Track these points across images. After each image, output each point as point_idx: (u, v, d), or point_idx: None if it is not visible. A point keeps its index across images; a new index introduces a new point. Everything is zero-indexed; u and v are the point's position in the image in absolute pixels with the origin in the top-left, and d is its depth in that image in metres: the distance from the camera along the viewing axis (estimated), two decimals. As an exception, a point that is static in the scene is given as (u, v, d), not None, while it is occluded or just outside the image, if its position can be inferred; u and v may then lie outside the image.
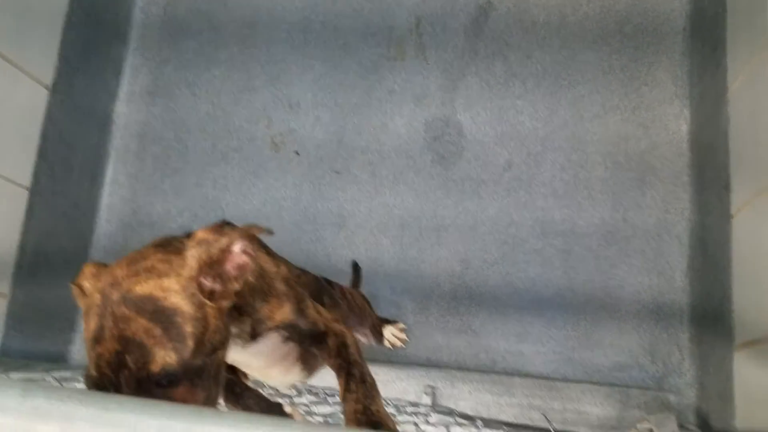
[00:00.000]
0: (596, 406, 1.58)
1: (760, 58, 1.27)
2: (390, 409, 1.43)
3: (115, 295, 0.71)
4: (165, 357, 0.68)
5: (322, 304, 1.09)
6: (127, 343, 0.68)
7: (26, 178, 1.60)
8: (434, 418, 1.38)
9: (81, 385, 1.26)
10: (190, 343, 0.71)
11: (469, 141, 1.79)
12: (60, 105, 1.70)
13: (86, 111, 1.83)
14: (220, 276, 0.76)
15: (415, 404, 1.50)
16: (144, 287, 0.71)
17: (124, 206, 1.89)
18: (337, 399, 1.47)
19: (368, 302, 1.60)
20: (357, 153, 1.83)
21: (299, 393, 1.47)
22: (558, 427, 1.56)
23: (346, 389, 0.85)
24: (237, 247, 0.77)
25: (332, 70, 1.89)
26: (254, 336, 0.91)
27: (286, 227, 1.80)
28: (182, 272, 0.73)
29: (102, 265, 0.81)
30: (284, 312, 0.95)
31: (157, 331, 0.69)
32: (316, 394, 1.46)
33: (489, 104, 1.80)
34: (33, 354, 1.65)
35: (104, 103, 1.92)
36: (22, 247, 1.58)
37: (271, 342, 0.96)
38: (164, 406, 0.54)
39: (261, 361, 0.98)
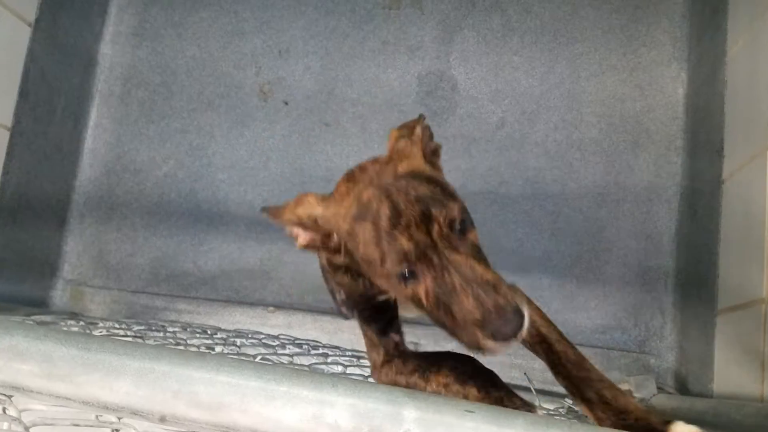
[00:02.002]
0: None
1: (761, 22, 1.25)
2: (373, 363, 1.44)
3: (387, 176, 0.77)
4: (456, 203, 0.75)
5: None
6: (426, 201, 0.73)
7: (7, 118, 1.55)
8: (417, 372, 1.38)
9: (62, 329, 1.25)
10: (458, 197, 0.78)
11: (462, 97, 1.76)
12: (43, 43, 1.64)
13: (70, 51, 1.77)
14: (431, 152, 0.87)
15: (398, 359, 1.51)
16: (404, 166, 0.79)
17: (108, 151, 1.85)
18: (320, 351, 1.47)
19: None
20: (347, 105, 1.79)
21: (282, 345, 1.46)
22: (538, 386, 1.57)
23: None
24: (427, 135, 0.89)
25: (324, 17, 1.83)
26: None
27: (273, 179, 1.77)
28: (415, 153, 0.82)
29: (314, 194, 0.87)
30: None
31: (437, 191, 0.75)
32: (299, 346, 1.46)
33: (485, 59, 1.76)
34: (13, 298, 1.63)
35: (89, 43, 1.86)
36: (3, 189, 1.54)
37: None
38: (146, 348, 0.52)
39: None
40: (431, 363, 0.84)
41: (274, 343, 1.43)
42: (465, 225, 0.74)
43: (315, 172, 1.77)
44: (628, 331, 1.61)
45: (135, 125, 1.85)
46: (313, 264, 1.76)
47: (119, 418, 0.54)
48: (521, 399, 0.79)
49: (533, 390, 1.39)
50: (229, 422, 0.49)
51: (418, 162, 0.81)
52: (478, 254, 0.74)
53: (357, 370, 1.34)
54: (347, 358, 1.45)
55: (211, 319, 1.68)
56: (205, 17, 1.87)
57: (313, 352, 1.46)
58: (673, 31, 1.70)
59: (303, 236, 0.86)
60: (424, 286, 0.73)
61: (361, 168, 0.82)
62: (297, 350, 1.45)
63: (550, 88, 1.73)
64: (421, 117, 0.90)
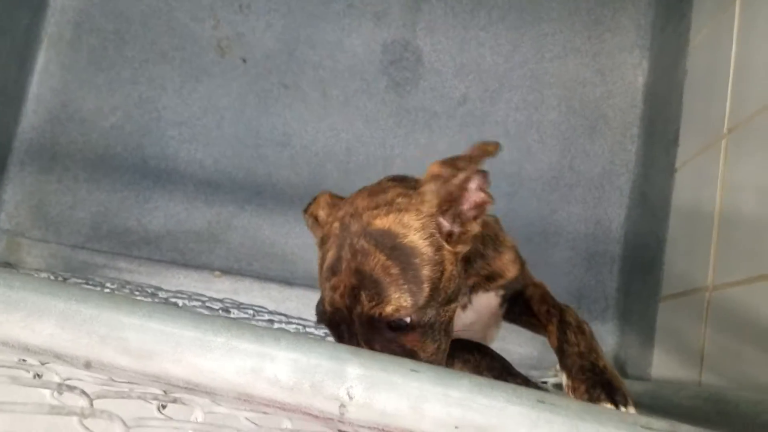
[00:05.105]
0: (520, 346, 1.61)
1: (725, 13, 1.26)
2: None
3: (355, 227, 0.68)
4: (400, 299, 0.64)
5: None
6: (363, 278, 0.64)
7: (-58, 53, 1.46)
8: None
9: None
10: (426, 288, 0.66)
11: (426, 69, 1.73)
12: (-14, -22, 1.54)
13: (18, -11, 1.67)
14: (459, 216, 0.72)
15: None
16: (384, 221, 0.68)
17: (54, 98, 1.75)
18: (266, 317, 1.44)
19: None
20: (308, 68, 1.74)
21: (226, 309, 1.43)
22: (523, 371, 1.58)
23: (563, 339, 0.76)
24: (474, 184, 0.72)
25: (290, -28, 1.77)
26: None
27: (226, 139, 1.72)
28: (422, 208, 0.69)
29: (337, 196, 0.79)
30: (516, 268, 0.88)
31: (395, 269, 0.65)
32: (244, 311, 1.43)
33: (451, 32, 1.74)
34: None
35: (38, -17, 1.75)
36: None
37: (488, 304, 0.87)
38: (73, 289, 0.48)
39: (469, 320, 0.87)
40: None
41: (216, 306, 1.39)
42: (405, 325, 0.65)
43: (271, 135, 1.72)
44: (572, 314, 1.63)
45: (83, 73, 1.76)
46: (263, 230, 1.72)
47: (42, 363, 0.51)
48: (537, 385, 0.77)
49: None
50: (160, 372, 0.46)
51: (410, 222, 0.69)
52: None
53: (302, 337, 1.32)
54: (294, 326, 1.43)
55: (152, 279, 1.63)
56: (163, -37, 1.79)
57: (257, 317, 1.43)
58: (638, 17, 1.71)
59: (314, 235, 0.82)
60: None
61: (371, 192, 0.73)
62: (241, 315, 1.41)
63: (514, 66, 1.72)
64: (472, 163, 0.72)
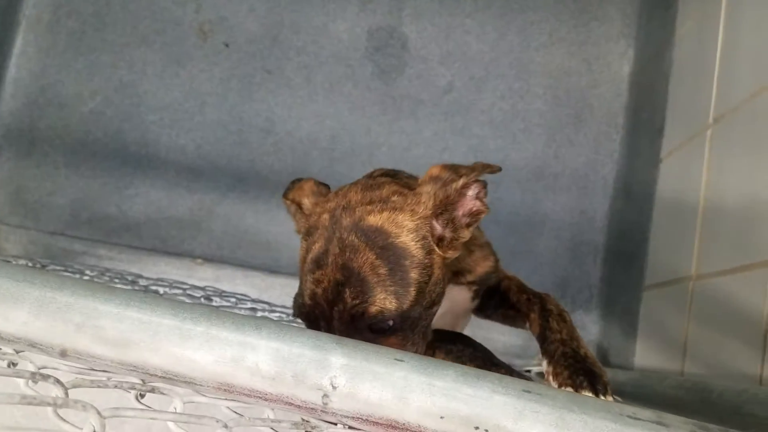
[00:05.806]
0: (503, 335, 1.61)
1: (712, 3, 1.26)
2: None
3: (346, 221, 0.67)
4: (385, 301, 0.64)
5: None
6: (349, 275, 0.64)
7: None
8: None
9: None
10: (412, 292, 0.66)
11: (412, 57, 1.72)
12: (-39, -43, 1.50)
13: (-6, -30, 1.63)
14: (452, 221, 0.71)
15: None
16: (377, 218, 0.67)
17: (32, 82, 1.71)
18: (249, 305, 1.43)
19: None
20: (292, 54, 1.72)
21: (208, 297, 1.41)
22: (508, 360, 1.58)
23: (545, 326, 0.76)
24: (472, 192, 0.72)
25: (273, -46, 1.74)
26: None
27: (208, 125, 1.69)
28: (417, 209, 0.69)
29: (321, 184, 0.79)
30: (487, 264, 0.88)
31: (383, 270, 0.64)
32: (226, 299, 1.42)
33: (437, 19, 1.72)
34: None
35: (16, -37, 1.71)
36: None
37: (459, 297, 0.87)
38: (48, 276, 0.47)
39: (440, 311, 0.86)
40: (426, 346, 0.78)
41: (198, 294, 1.37)
42: (387, 328, 0.65)
43: (254, 121, 1.70)
44: (556, 303, 1.63)
45: (62, 56, 1.72)
46: (246, 218, 1.70)
47: (17, 351, 0.49)
48: (521, 374, 0.78)
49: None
50: (137, 361, 0.45)
51: (403, 222, 0.68)
52: None
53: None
54: (277, 315, 1.41)
55: (133, 267, 1.60)
56: (144, -56, 1.75)
57: (240, 306, 1.41)
58: (624, 7, 1.70)
59: (295, 222, 0.82)
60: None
61: (365, 186, 0.72)
62: (224, 303, 1.40)
63: (500, 55, 1.71)
64: (473, 172, 0.72)
